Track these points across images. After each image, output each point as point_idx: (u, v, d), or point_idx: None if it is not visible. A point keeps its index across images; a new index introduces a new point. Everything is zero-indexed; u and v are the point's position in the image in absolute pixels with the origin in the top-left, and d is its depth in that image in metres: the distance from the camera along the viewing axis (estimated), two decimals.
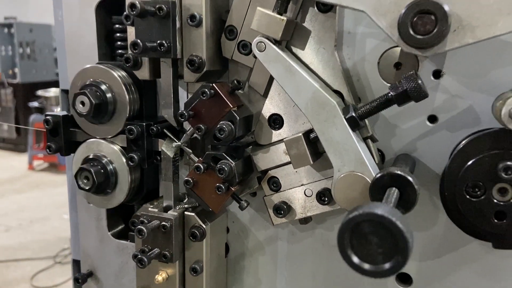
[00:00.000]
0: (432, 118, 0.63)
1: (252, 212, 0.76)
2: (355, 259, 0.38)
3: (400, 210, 0.50)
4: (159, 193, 0.81)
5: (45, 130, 0.77)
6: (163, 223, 0.68)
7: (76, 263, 0.91)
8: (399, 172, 0.50)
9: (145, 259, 0.67)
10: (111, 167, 0.73)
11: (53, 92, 6.24)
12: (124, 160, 0.73)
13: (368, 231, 0.38)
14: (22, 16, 6.99)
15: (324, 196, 0.64)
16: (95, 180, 0.71)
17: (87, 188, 0.72)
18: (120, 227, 0.88)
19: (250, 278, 0.78)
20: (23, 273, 4.03)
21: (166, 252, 0.69)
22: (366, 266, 0.38)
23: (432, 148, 0.62)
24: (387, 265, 0.38)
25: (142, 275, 0.74)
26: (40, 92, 6.14)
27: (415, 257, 0.67)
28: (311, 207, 0.66)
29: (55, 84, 6.59)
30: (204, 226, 0.69)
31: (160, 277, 0.71)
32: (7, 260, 4.25)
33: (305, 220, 0.70)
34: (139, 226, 0.66)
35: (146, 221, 0.68)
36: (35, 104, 6.15)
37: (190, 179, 0.67)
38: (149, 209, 0.71)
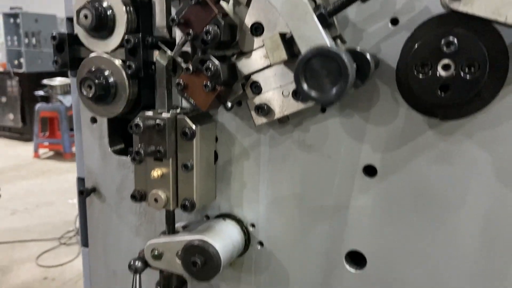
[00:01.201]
0: (394, 21, 0.72)
1: (238, 121, 0.85)
2: (305, 87, 0.47)
3: (357, 81, 0.58)
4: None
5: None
6: (158, 121, 0.77)
7: (80, 181, 1.01)
8: (358, 50, 0.59)
9: (141, 152, 0.77)
10: (112, 79, 0.83)
11: (58, 81, 6.37)
12: (124, 74, 0.83)
13: (319, 66, 0.47)
14: (27, 6, 7.12)
15: (299, 92, 0.73)
16: (97, 88, 0.80)
17: (90, 95, 0.81)
18: (120, 146, 0.98)
19: (236, 182, 0.88)
20: (29, 253, 4.16)
21: (161, 149, 0.78)
22: (313, 93, 0.47)
23: (394, 48, 0.71)
24: (333, 90, 0.47)
25: (139, 178, 0.84)
26: (45, 81, 6.27)
27: (379, 149, 0.76)
28: (288, 106, 0.76)
29: (60, 74, 6.74)
30: (194, 127, 0.79)
31: (155, 173, 0.81)
32: (13, 241, 4.39)
33: (283, 120, 0.79)
34: (136, 122, 0.76)
35: (142, 121, 0.78)
36: (40, 93, 6.28)
37: (180, 81, 0.76)
38: (146, 113, 0.81)
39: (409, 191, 0.75)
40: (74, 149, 5.11)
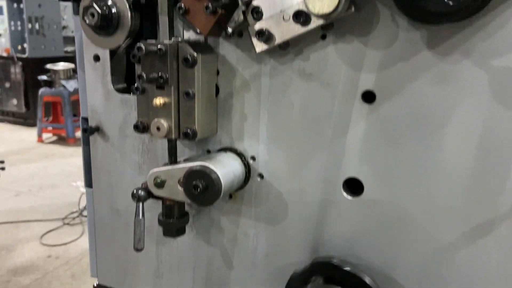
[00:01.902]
0: None
1: (239, 53, 0.87)
2: None
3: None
4: None
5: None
6: (160, 47, 0.79)
7: (84, 120, 1.03)
8: None
9: (144, 76, 0.79)
10: (115, 9, 0.85)
11: (61, 65, 6.40)
12: (126, 3, 0.85)
13: None
14: None
15: (299, 15, 0.75)
16: (100, 15, 0.82)
17: (92, 24, 0.83)
18: (122, 85, 1.00)
19: (237, 115, 0.89)
20: (33, 232, 4.21)
21: (163, 75, 0.80)
22: None
23: None
24: None
25: (142, 108, 0.86)
26: (49, 66, 6.30)
27: (378, 74, 0.77)
28: (288, 30, 0.77)
29: (64, 60, 6.76)
30: (195, 54, 0.80)
31: (158, 101, 0.82)
32: (17, 221, 4.44)
33: (284, 46, 0.81)
34: (138, 45, 0.78)
35: (145, 46, 0.79)
36: (44, 77, 6.32)
37: (182, 5, 0.78)
38: (148, 41, 0.82)
39: (406, 115, 0.77)
40: (77, 134, 5.19)
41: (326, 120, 0.83)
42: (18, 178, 5.37)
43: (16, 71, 6.98)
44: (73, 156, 6.19)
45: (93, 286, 1.12)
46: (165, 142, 0.93)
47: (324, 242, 0.87)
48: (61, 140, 6.79)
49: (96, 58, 0.98)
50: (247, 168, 0.91)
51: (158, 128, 0.84)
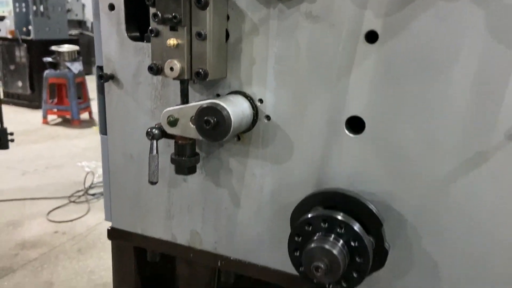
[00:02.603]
0: None
1: None
2: None
3: None
4: None
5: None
6: None
7: (99, 68, 1.08)
8: None
9: (159, 15, 0.84)
10: None
11: (66, 47, 6.45)
12: None
13: None
14: None
15: None
16: None
17: None
18: (136, 34, 1.05)
19: (246, 59, 0.95)
20: (40, 209, 4.31)
21: (176, 15, 0.85)
22: None
23: None
24: None
25: (156, 51, 0.91)
26: (53, 47, 6.36)
27: (381, 14, 0.82)
28: None
29: (68, 42, 6.80)
30: None
31: (171, 41, 0.88)
32: (24, 199, 4.54)
33: None
34: None
35: None
36: (48, 59, 6.37)
37: None
38: None
39: (407, 54, 0.82)
40: (82, 116, 5.25)
41: (330, 61, 0.88)
42: (24, 158, 5.46)
43: (21, 53, 7.04)
44: (78, 138, 6.28)
45: (108, 229, 1.18)
46: (177, 88, 0.99)
47: (327, 180, 0.92)
48: (66, 122, 6.87)
49: (111, 7, 1.03)
50: (255, 110, 0.96)
51: (171, 69, 0.89)
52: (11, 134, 2.63)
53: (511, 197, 0.80)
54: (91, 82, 7.65)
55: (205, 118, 0.86)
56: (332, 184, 0.92)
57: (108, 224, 1.18)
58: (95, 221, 4.12)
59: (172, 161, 0.96)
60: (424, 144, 0.84)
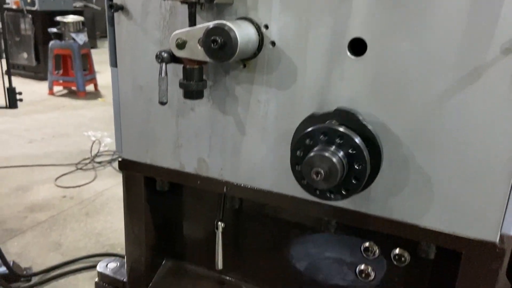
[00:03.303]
0: None
1: None
2: None
3: None
4: None
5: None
6: None
7: None
8: None
9: None
10: None
11: (71, 18, 6.46)
12: None
13: None
14: None
15: None
16: None
17: None
18: None
19: None
20: (48, 175, 4.41)
21: None
22: None
23: None
24: None
25: None
26: (58, 18, 6.37)
27: None
28: None
29: (73, 13, 6.80)
30: None
31: None
32: (32, 165, 4.64)
33: None
34: None
35: None
36: (53, 30, 6.39)
37: None
38: None
39: None
40: (87, 88, 5.29)
41: None
42: (31, 127, 5.55)
43: (25, 24, 7.06)
44: (84, 109, 6.35)
45: (118, 161, 1.24)
46: (184, 17, 1.02)
47: (329, 103, 0.97)
48: (72, 94, 6.94)
49: None
50: (261, 36, 1.00)
51: None
52: (20, 93, 2.69)
53: (505, 113, 0.84)
54: (96, 55, 7.69)
55: (212, 37, 0.90)
56: (333, 108, 0.97)
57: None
58: (102, 187, 4.22)
59: (180, 85, 1.01)
60: (422, 62, 0.88)
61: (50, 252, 3.27)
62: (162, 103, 0.97)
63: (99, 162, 4.73)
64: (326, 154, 0.82)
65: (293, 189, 1.04)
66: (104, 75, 7.57)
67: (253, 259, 1.28)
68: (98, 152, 4.85)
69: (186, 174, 1.16)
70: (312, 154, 0.83)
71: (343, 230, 1.14)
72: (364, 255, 1.11)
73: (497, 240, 0.90)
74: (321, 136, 0.86)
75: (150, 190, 1.25)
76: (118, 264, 1.45)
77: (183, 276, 1.31)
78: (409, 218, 0.96)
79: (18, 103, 2.73)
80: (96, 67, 7.27)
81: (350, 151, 0.84)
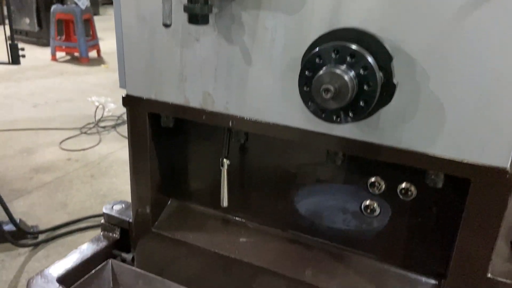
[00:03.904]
0: None
1: None
2: None
3: None
4: None
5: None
6: None
7: None
8: None
9: None
10: None
11: None
12: None
13: None
14: None
15: None
16: None
17: None
18: None
19: None
20: (53, 139, 4.43)
21: None
22: None
23: None
24: None
25: None
26: None
27: None
28: None
29: None
30: None
31: None
32: (37, 128, 4.66)
33: None
34: None
35: None
36: None
37: None
38: None
39: None
40: (90, 54, 5.23)
41: None
42: (35, 92, 5.55)
43: None
44: (87, 75, 6.32)
45: (122, 97, 1.23)
46: None
47: (340, 25, 0.94)
48: (75, 60, 6.89)
49: None
50: None
51: None
52: (22, 49, 2.66)
53: None
54: (99, 22, 7.59)
55: None
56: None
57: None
58: (107, 150, 4.24)
59: (185, 9, 0.98)
60: None
61: (56, 211, 3.31)
62: (166, 25, 0.94)
63: (103, 127, 4.74)
64: (337, 71, 0.80)
65: (300, 120, 1.02)
66: (107, 42, 7.50)
67: (258, 198, 1.28)
68: (102, 116, 4.85)
69: (191, 108, 1.15)
70: (322, 71, 0.81)
71: (348, 164, 1.13)
72: (370, 190, 1.10)
73: (508, 166, 0.89)
74: (332, 54, 0.83)
75: (155, 127, 1.24)
76: (124, 206, 1.46)
77: (189, 216, 1.32)
78: (418, 147, 0.95)
79: (21, 59, 2.71)
80: (99, 34, 7.19)
81: (361, 71, 0.82)
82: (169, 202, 1.35)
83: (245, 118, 1.10)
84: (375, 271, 1.13)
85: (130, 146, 1.27)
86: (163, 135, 1.27)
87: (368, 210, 1.11)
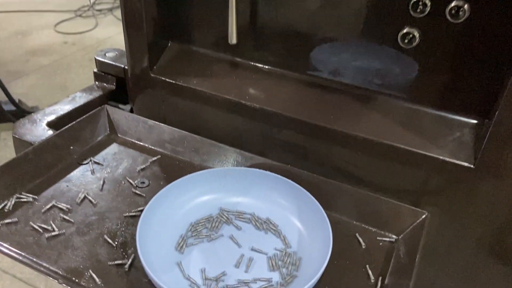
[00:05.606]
0: None
1: None
2: None
3: None
4: None
5: None
6: None
7: None
8: None
9: None
10: None
11: None
12: None
13: None
14: None
15: None
16: None
17: None
18: None
19: None
20: (46, 21, 4.15)
21: None
22: None
23: None
24: None
25: None
26: None
27: None
28: None
29: None
30: None
31: None
32: (30, 10, 4.34)
33: None
34: None
35: None
36: None
37: None
38: None
39: None
40: None
41: None
42: None
43: None
44: None
45: None
46: None
47: None
48: None
49: None
50: None
51: None
52: None
53: None
54: None
55: None
56: None
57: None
58: (104, 35, 3.98)
59: None
60: None
61: (56, 93, 3.18)
62: None
63: (99, 10, 4.41)
64: None
65: None
66: None
67: (273, 36, 1.08)
68: None
69: None
70: None
71: None
72: (412, 12, 0.89)
73: None
74: None
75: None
76: (118, 53, 1.28)
77: (193, 59, 1.14)
78: None
79: None
80: None
81: None
82: (169, 45, 1.16)
83: None
84: (408, 113, 0.97)
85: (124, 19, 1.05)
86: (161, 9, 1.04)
87: (406, 40, 0.92)
